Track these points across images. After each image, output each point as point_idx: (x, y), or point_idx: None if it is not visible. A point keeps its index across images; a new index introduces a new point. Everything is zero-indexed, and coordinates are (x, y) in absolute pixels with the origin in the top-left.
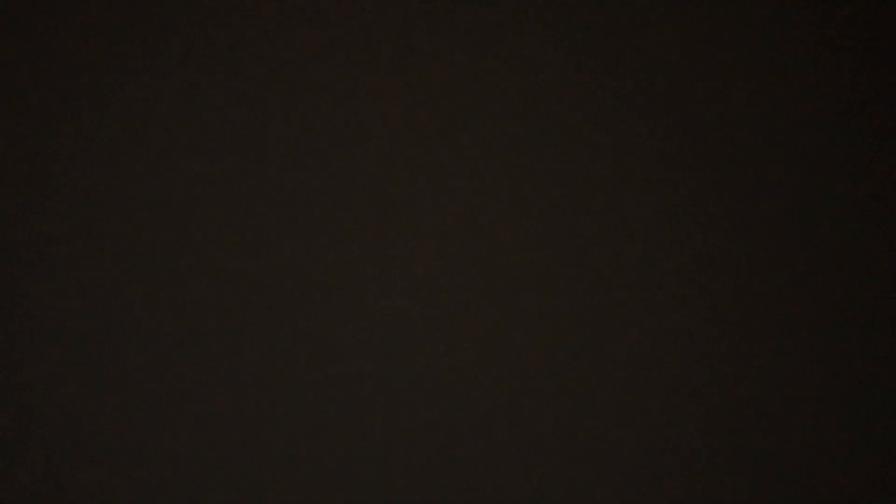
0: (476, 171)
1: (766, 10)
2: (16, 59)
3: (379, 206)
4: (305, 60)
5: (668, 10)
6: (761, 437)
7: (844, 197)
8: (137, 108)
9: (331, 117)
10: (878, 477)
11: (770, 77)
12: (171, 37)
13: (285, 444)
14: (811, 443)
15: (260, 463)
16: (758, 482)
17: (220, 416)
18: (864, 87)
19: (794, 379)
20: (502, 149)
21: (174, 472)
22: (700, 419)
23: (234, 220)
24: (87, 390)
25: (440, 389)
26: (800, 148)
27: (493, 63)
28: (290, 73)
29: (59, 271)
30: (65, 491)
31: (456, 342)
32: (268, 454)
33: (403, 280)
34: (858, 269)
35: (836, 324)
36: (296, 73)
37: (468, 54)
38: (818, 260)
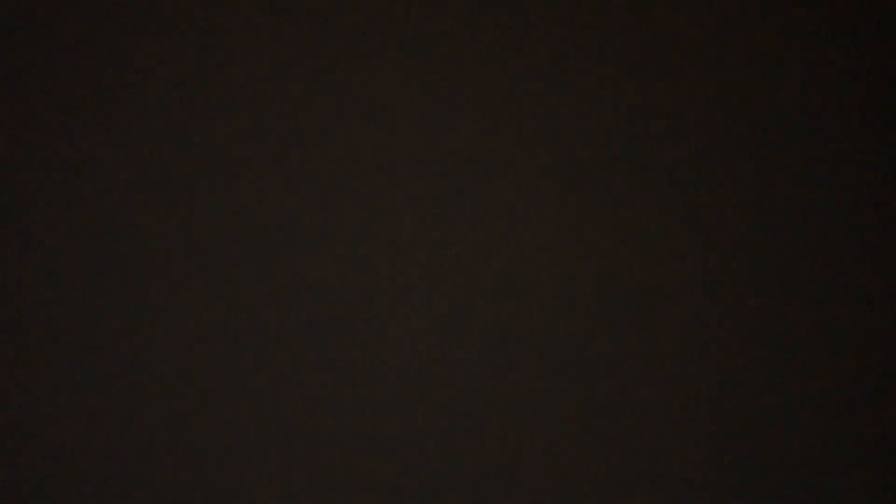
0: (476, 171)
1: (767, 10)
2: (16, 59)
3: (379, 206)
4: (306, 60)
5: (669, 10)
6: (762, 438)
7: (845, 197)
8: (138, 108)
9: (333, 118)
10: (878, 477)
11: (772, 78)
12: (171, 37)
13: (285, 444)
14: (812, 444)
15: (260, 463)
16: (759, 484)
17: (221, 416)
18: (864, 86)
19: (795, 380)
20: (503, 149)
21: (174, 473)
22: (701, 419)
23: (234, 221)
24: (87, 390)
25: (441, 390)
26: (801, 148)
27: (493, 64)
28: (291, 73)
29: (60, 272)
30: (65, 490)
31: (457, 343)
32: (268, 455)
33: (404, 281)
34: (859, 270)
35: (837, 324)
36: (297, 73)
37: (469, 55)
38: (819, 261)
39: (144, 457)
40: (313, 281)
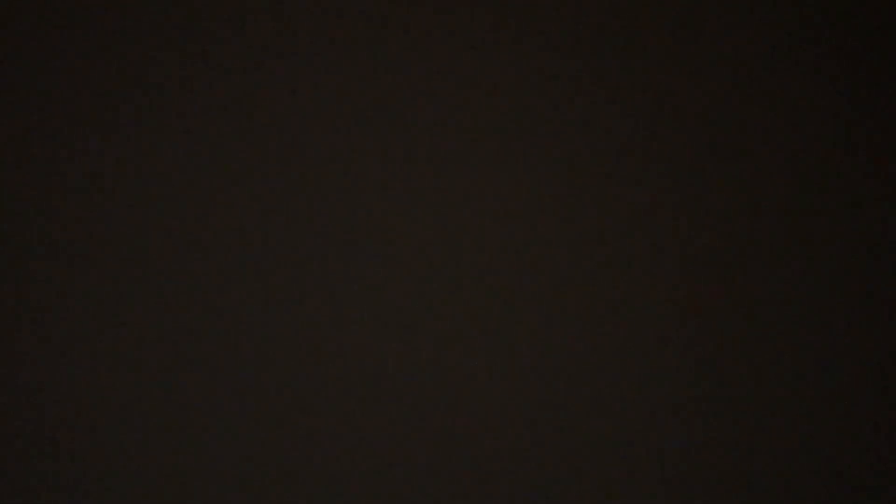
0: (475, 171)
1: (766, 10)
2: (16, 59)
3: (379, 207)
4: (307, 60)
5: (668, 10)
6: (760, 438)
7: (843, 197)
8: (138, 108)
9: (333, 118)
10: (877, 477)
11: (770, 78)
12: (172, 37)
13: (285, 445)
14: (809, 444)
15: (259, 464)
16: (756, 483)
17: (221, 416)
18: (863, 87)
19: (793, 379)
20: (501, 150)
21: (173, 473)
22: (699, 420)
23: (235, 221)
24: (88, 391)
25: (440, 390)
26: (798, 149)
27: (491, 64)
28: (291, 73)
29: (60, 272)
30: (65, 491)
31: (456, 343)
32: (268, 455)
33: (403, 281)
34: (858, 270)
35: (835, 324)
36: (297, 73)
37: (468, 55)
38: (817, 261)
39: (143, 457)
40: (313, 282)
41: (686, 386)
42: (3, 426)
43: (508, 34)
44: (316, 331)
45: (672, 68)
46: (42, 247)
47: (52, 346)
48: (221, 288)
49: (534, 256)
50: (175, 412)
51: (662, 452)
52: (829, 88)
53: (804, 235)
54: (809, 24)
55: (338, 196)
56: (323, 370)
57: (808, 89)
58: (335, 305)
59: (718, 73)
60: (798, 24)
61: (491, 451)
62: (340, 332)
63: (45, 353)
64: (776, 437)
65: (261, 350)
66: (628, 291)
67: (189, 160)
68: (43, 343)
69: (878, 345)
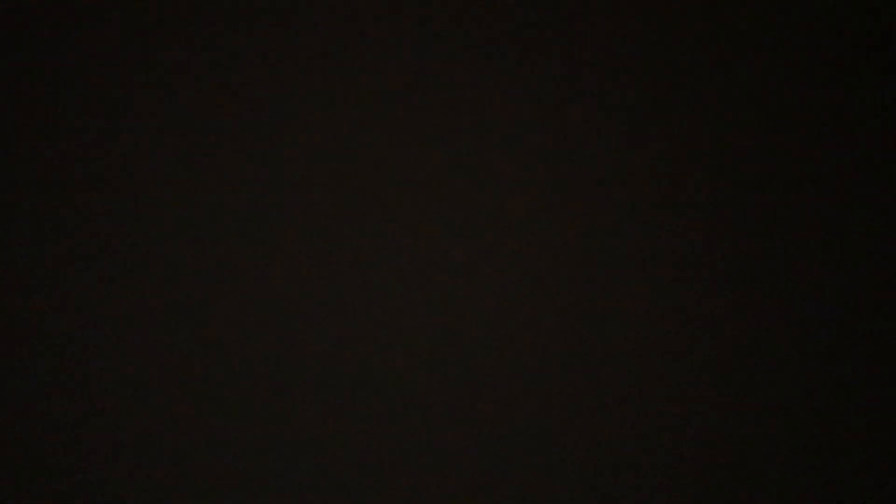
0: (474, 171)
1: (765, 10)
2: (17, 59)
3: (379, 207)
4: (307, 60)
5: (666, 10)
6: (759, 438)
7: (843, 197)
8: (137, 107)
9: (333, 118)
10: (875, 477)
11: (769, 79)
12: (172, 36)
13: (285, 445)
14: (808, 444)
15: (260, 463)
16: (755, 484)
17: (221, 416)
18: (862, 87)
19: (792, 379)
20: (499, 149)
21: (173, 474)
22: (697, 420)
23: (235, 221)
24: (89, 391)
25: (439, 390)
26: (797, 150)
27: (490, 63)
28: (291, 72)
29: (61, 272)
30: (65, 492)
31: (455, 343)
32: (268, 455)
33: (403, 280)
34: (858, 272)
35: (836, 324)
36: (297, 72)
37: (468, 54)
38: (816, 262)
39: (141, 457)
40: (313, 282)
41: (687, 386)
42: (3, 426)
43: (508, 33)
44: (316, 330)
45: (671, 68)
46: (42, 247)
47: (52, 346)
48: (220, 288)
49: (532, 256)
50: (174, 412)
51: (662, 452)
52: (829, 88)
53: (804, 235)
54: (808, 24)
55: (337, 196)
56: (322, 370)
57: (807, 90)
58: (335, 305)
59: (717, 73)
60: (797, 25)
61: (492, 452)
62: (340, 332)
63: (45, 353)
64: (776, 437)
65: (260, 350)
66: (627, 291)
67: (188, 158)
68: (43, 343)
69: (879, 345)
